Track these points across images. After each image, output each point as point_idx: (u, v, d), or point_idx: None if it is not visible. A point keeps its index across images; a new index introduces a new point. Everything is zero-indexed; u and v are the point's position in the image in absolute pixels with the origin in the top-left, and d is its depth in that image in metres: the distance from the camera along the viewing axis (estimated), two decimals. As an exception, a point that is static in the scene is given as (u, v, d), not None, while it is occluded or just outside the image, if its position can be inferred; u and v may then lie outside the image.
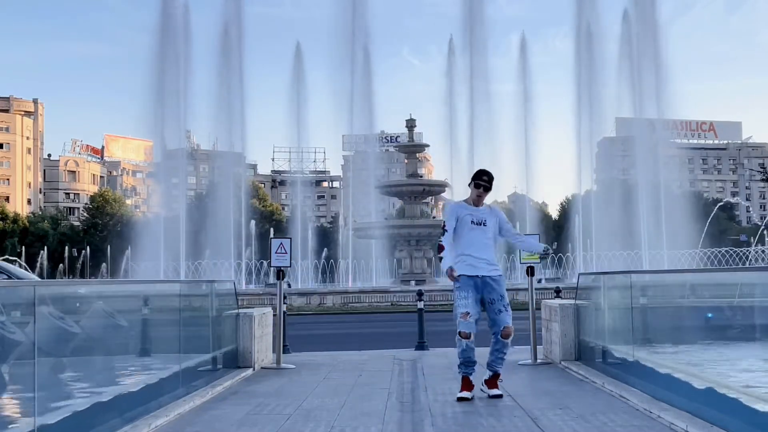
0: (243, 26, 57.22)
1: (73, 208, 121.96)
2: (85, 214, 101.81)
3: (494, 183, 7.77)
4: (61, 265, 74.47)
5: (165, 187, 61.09)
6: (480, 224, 7.70)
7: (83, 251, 75.65)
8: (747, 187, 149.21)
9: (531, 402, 7.52)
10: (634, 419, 6.54)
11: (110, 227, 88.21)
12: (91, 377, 6.86)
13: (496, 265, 7.80)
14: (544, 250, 8.47)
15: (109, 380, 7.08)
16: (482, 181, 7.74)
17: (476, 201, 7.81)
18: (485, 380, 7.87)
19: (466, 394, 7.65)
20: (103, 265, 58.85)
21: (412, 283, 45.12)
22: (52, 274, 73.92)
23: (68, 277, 70.36)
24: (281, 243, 11.07)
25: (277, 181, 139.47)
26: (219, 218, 52.55)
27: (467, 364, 7.69)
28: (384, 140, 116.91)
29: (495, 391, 7.76)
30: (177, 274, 47.57)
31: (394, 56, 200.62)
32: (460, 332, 7.58)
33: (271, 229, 65.22)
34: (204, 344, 9.27)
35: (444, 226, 7.83)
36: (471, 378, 7.75)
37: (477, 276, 7.64)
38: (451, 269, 7.60)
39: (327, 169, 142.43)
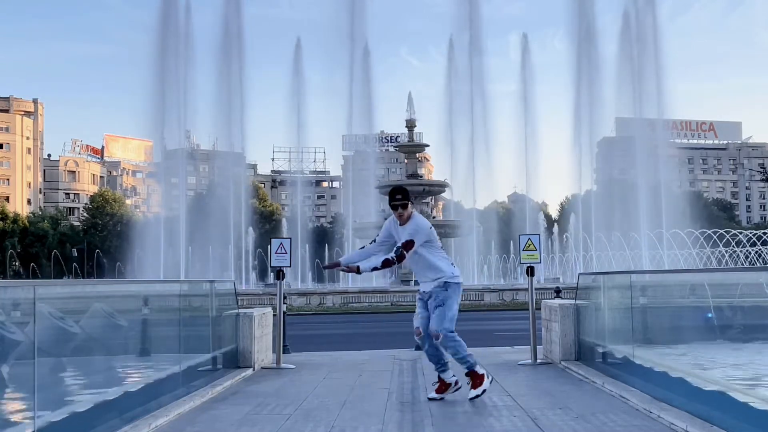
0: (243, 26, 57.38)
1: (73, 208, 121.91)
2: (85, 214, 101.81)
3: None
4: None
5: (165, 187, 61.14)
6: None
7: (85, 251, 75.64)
8: (747, 187, 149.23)
9: (531, 402, 7.52)
10: (634, 419, 6.54)
11: (110, 227, 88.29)
12: (91, 377, 6.86)
13: (433, 275, 7.72)
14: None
15: (109, 380, 7.08)
16: (396, 201, 7.66)
17: (399, 219, 7.78)
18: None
19: (433, 395, 7.74)
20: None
21: (412, 283, 45.09)
22: (56, 274, 73.92)
23: (69, 278, 70.35)
24: (281, 243, 11.07)
25: (277, 181, 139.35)
26: (219, 218, 52.56)
27: (432, 362, 7.79)
28: (384, 140, 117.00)
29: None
30: (177, 274, 47.57)
31: (393, 56, 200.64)
32: None
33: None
34: (204, 344, 9.28)
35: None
36: (445, 378, 7.79)
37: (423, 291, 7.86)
38: (342, 265, 7.85)
39: (327, 169, 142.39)
